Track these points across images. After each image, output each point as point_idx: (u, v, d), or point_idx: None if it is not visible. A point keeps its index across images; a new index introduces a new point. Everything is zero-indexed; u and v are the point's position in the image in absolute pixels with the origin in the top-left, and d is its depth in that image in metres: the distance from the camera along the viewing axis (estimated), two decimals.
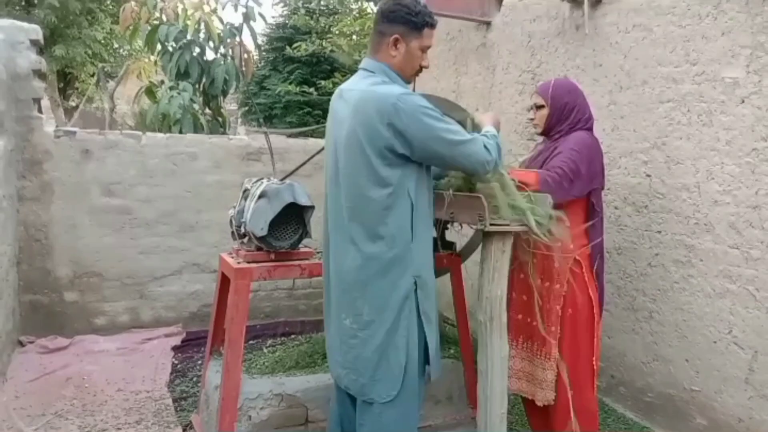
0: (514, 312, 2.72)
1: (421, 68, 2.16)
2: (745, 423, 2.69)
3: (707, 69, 2.84)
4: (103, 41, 13.68)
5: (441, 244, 3.20)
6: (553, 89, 2.71)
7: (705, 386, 2.88)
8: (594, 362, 2.63)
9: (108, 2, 13.38)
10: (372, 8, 9.86)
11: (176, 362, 4.07)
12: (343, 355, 2.14)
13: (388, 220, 2.00)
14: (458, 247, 3.23)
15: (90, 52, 13.05)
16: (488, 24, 4.45)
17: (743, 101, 2.68)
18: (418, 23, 2.07)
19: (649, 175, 3.15)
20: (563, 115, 2.69)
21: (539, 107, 2.74)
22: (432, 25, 2.11)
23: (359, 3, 9.94)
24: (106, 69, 13.94)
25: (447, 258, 3.07)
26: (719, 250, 2.80)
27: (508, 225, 2.23)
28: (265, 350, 3.52)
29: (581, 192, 2.58)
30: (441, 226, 3.03)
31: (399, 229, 2.02)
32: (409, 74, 2.16)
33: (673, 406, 3.04)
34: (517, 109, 4.15)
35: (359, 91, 2.05)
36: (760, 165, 2.61)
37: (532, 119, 2.81)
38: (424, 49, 2.12)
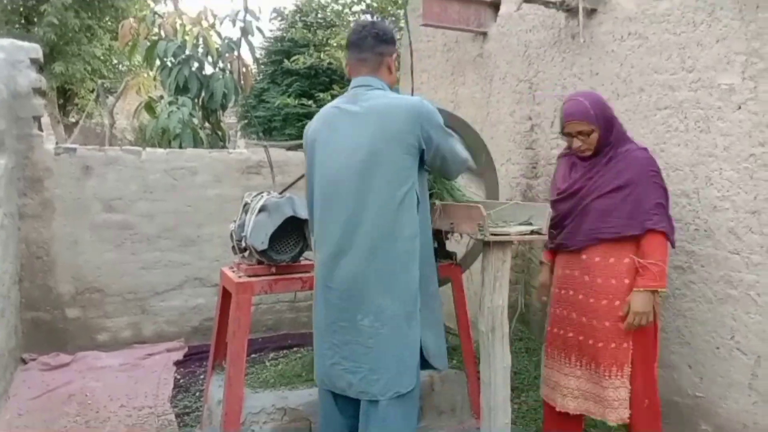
0: (574, 333, 2.67)
1: None
2: (749, 428, 2.68)
3: (703, 76, 2.85)
4: (102, 57, 13.73)
5: (441, 253, 3.20)
6: (594, 108, 2.59)
7: (709, 392, 2.88)
8: (655, 367, 2.65)
9: (107, 19, 13.45)
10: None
11: (179, 377, 4.07)
12: (359, 359, 2.15)
13: (404, 216, 2.14)
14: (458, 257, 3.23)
15: (89, 68, 13.11)
16: (485, 35, 4.47)
17: (740, 107, 2.70)
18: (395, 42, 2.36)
19: None
20: (609, 131, 2.61)
21: (587, 134, 2.61)
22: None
23: (356, 16, 9.99)
24: (105, 85, 14.00)
25: (447, 268, 3.07)
26: (720, 256, 2.80)
27: (508, 235, 2.24)
28: (267, 363, 3.52)
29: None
30: (441, 236, 3.04)
31: (413, 225, 2.17)
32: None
33: (678, 413, 3.03)
34: (515, 118, 4.17)
35: (381, 100, 2.19)
36: (758, 170, 2.61)
37: (579, 148, 2.65)
38: None
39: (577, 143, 2.63)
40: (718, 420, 2.83)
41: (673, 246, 2.57)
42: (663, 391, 3.08)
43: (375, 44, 2.27)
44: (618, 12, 3.33)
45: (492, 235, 2.20)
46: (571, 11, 3.52)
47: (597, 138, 2.59)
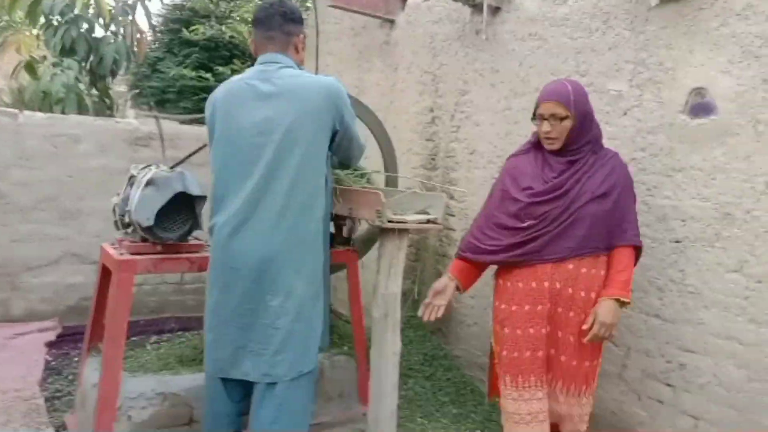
0: (523, 351, 2.36)
1: None
2: (617, 416, 2.87)
3: (595, 81, 2.99)
4: None
5: (338, 239, 3.18)
6: (574, 95, 2.31)
7: None
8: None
9: None
10: None
11: (50, 359, 3.80)
12: (266, 341, 2.12)
13: (318, 196, 2.19)
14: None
15: None
16: (392, 22, 4.47)
17: (625, 113, 2.85)
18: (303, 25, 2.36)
19: None
20: (584, 127, 2.34)
21: (560, 118, 2.31)
22: None
23: None
24: None
25: (343, 254, 3.05)
26: None
27: (405, 222, 2.25)
28: (148, 347, 3.36)
29: None
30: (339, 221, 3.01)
31: (324, 205, 2.24)
32: None
33: None
34: (418, 108, 4.21)
35: (296, 79, 2.18)
36: (638, 174, 2.78)
37: (547, 133, 2.34)
38: None
39: (546, 127, 2.33)
40: None
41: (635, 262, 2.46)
42: None
43: (283, 23, 2.24)
44: (521, 12, 3.42)
45: (389, 222, 2.20)
46: (476, 7, 3.59)
47: (569, 128, 2.31)
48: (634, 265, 2.41)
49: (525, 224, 2.33)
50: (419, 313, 2.45)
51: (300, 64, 2.32)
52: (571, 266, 2.32)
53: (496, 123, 3.56)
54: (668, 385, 2.66)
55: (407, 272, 3.97)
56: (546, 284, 2.33)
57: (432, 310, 2.42)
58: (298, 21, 2.29)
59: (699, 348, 2.54)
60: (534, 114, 2.42)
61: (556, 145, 2.35)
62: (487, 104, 3.63)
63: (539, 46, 3.30)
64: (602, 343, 2.39)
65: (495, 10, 3.55)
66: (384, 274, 2.31)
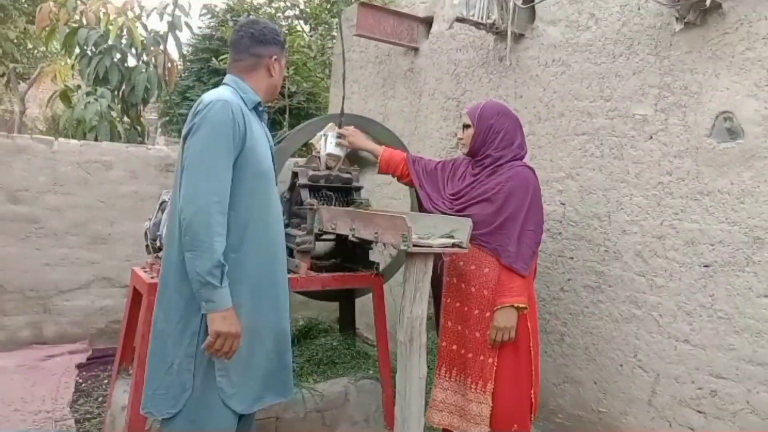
0: (447, 342, 2.72)
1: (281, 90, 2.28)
2: None
3: (619, 105, 3.00)
4: (15, 40, 12.97)
5: (363, 263, 3.21)
6: (480, 110, 2.72)
7: (611, 408, 3.00)
8: (532, 395, 2.61)
9: (23, 0, 12.74)
10: (302, 26, 9.87)
11: (80, 381, 3.85)
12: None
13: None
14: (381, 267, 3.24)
15: (0, 51, 12.36)
16: (416, 50, 4.54)
17: (651, 137, 2.85)
18: (284, 43, 2.26)
19: (563, 204, 3.28)
20: (488, 137, 2.68)
21: (466, 126, 2.75)
22: (286, 46, 2.30)
23: (289, 20, 9.92)
24: (18, 70, 13.22)
25: (369, 278, 3.07)
26: (626, 277, 2.95)
27: (431, 246, 2.26)
28: None
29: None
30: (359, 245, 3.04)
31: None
32: (274, 95, 2.34)
33: (582, 427, 3.15)
34: (442, 134, 4.24)
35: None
36: (665, 198, 2.77)
37: (460, 139, 2.81)
38: (286, 67, 2.25)
39: (460, 133, 2.81)
40: None
41: (531, 273, 2.66)
42: (568, 405, 3.19)
43: (251, 45, 2.18)
44: (544, 39, 3.46)
45: (414, 246, 2.21)
46: (500, 34, 3.63)
47: (471, 136, 2.71)
48: (521, 278, 2.57)
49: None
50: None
51: (276, 89, 2.27)
52: (461, 263, 2.66)
53: None
54: (699, 412, 2.61)
55: (432, 296, 3.97)
56: (448, 279, 2.75)
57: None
58: (271, 42, 2.20)
59: (731, 374, 2.50)
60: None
61: (464, 150, 2.79)
62: None
63: (563, 71, 3.32)
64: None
65: (518, 37, 3.59)
66: (409, 298, 2.32)
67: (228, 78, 2.20)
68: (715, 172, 2.58)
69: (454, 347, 2.70)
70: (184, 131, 2.04)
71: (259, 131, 2.14)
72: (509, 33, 3.51)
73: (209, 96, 2.03)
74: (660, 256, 2.79)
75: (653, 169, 2.83)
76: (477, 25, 3.58)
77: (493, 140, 2.68)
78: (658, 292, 2.80)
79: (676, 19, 2.69)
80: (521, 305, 2.54)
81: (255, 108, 2.17)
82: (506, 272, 2.55)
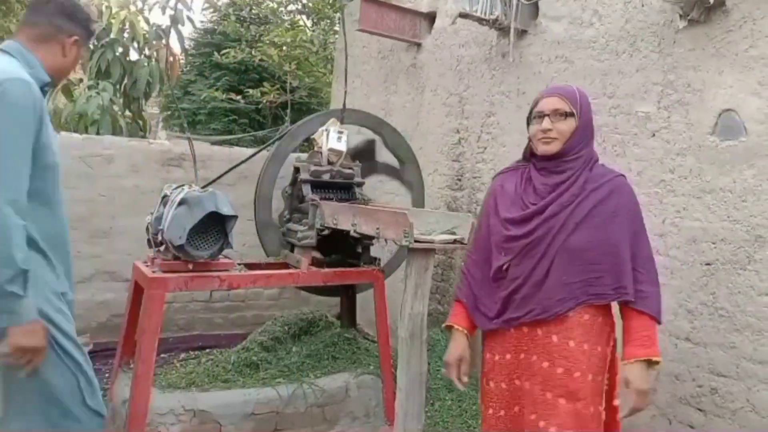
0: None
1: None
2: None
3: (622, 102, 3.00)
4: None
5: (364, 258, 3.21)
6: (581, 95, 1.96)
7: None
8: None
9: None
10: (304, 20, 9.86)
11: None
12: None
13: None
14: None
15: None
16: (419, 45, 4.53)
17: (654, 135, 2.85)
18: (92, 34, 2.07)
19: None
20: (587, 133, 1.95)
21: (563, 116, 1.91)
22: (92, 39, 2.04)
23: (292, 15, 9.91)
24: None
25: (369, 273, 3.08)
26: None
27: (432, 242, 2.26)
28: (177, 364, 3.40)
29: None
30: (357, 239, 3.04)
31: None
32: (62, 79, 2.07)
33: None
34: (444, 130, 4.24)
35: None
36: (666, 195, 2.76)
37: (546, 131, 1.91)
38: (80, 59, 2.06)
39: (546, 124, 1.90)
40: None
41: (660, 323, 1.91)
42: None
43: (55, 12, 1.91)
44: (547, 35, 3.45)
45: (416, 241, 2.22)
46: (503, 30, 3.62)
47: (572, 132, 1.90)
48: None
49: (501, 263, 1.95)
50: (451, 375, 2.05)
51: (64, 71, 1.99)
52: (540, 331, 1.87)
53: (522, 144, 3.53)
54: (699, 410, 2.61)
55: (434, 292, 3.98)
56: (522, 356, 1.93)
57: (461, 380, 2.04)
58: (76, 21, 1.95)
59: (731, 372, 2.50)
60: (529, 119, 2.01)
61: (554, 147, 1.90)
62: (514, 125, 3.64)
63: (566, 68, 3.32)
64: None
65: (521, 33, 3.58)
66: (410, 294, 2.32)
67: (11, 45, 1.85)
68: (717, 170, 2.58)
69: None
70: None
71: (47, 117, 1.85)
72: (512, 29, 3.50)
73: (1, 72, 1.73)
74: (661, 253, 2.79)
75: (655, 166, 2.82)
76: (480, 20, 3.57)
77: (591, 140, 1.99)
78: None
79: (680, 16, 2.68)
80: (656, 359, 1.84)
81: (41, 89, 1.84)
82: (638, 321, 1.87)
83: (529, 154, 2.05)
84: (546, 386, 1.84)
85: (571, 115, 1.90)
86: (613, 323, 1.97)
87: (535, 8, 3.55)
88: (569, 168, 1.92)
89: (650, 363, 1.82)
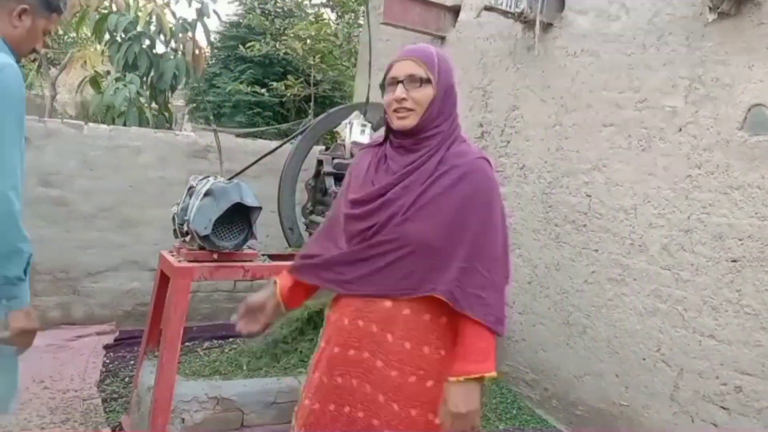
0: (326, 403, 1.72)
1: (34, 50, 1.95)
2: None
3: (649, 97, 2.96)
4: None
5: None
6: (440, 60, 1.67)
7: (633, 401, 2.99)
8: None
9: None
10: (329, 14, 9.87)
11: (107, 361, 3.93)
12: None
13: None
14: None
15: None
16: (443, 38, 4.51)
17: (680, 130, 2.81)
18: (52, 4, 1.88)
19: (589, 196, 3.26)
20: (446, 103, 1.67)
21: (419, 82, 1.62)
22: (61, 12, 1.93)
23: (316, 8, 9.92)
24: (48, 55, 13.41)
25: None
26: (652, 271, 2.92)
27: None
28: (201, 352, 3.46)
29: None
30: None
31: None
32: (23, 53, 1.91)
33: (603, 420, 3.14)
34: (467, 124, 4.22)
35: None
36: (693, 191, 2.73)
37: (400, 100, 1.61)
38: (46, 32, 1.92)
39: (400, 92, 1.61)
40: (641, 429, 2.94)
41: (500, 335, 1.59)
42: (589, 397, 3.19)
43: None
44: (573, 28, 3.42)
45: None
46: (528, 23, 3.60)
47: (429, 102, 1.62)
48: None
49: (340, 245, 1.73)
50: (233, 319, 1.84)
51: (9, 38, 1.81)
52: (389, 304, 1.62)
53: (546, 138, 3.55)
54: (723, 408, 2.58)
55: None
56: (359, 324, 1.67)
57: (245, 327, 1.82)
58: None
59: (756, 371, 2.47)
60: (383, 84, 1.70)
61: (411, 121, 1.62)
62: (538, 119, 3.62)
63: (591, 62, 3.29)
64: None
65: (547, 26, 3.55)
66: None
67: None
68: (745, 165, 2.54)
69: (361, 415, 1.66)
70: None
71: None
72: (537, 22, 3.47)
73: None
74: (687, 250, 2.76)
75: (682, 161, 2.79)
76: (505, 13, 3.56)
77: (449, 106, 1.69)
78: (683, 286, 2.77)
79: (710, 9, 2.63)
80: (489, 374, 1.56)
81: None
82: (471, 330, 1.58)
83: (386, 129, 1.75)
84: (367, 378, 1.64)
85: (428, 81, 1.62)
86: None
87: (561, 1, 3.52)
88: (425, 146, 1.64)
89: (482, 380, 1.55)
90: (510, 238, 1.76)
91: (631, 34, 3.07)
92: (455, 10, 4.46)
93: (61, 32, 14.55)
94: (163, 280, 2.84)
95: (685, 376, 2.74)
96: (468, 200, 1.60)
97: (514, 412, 3.49)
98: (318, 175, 3.28)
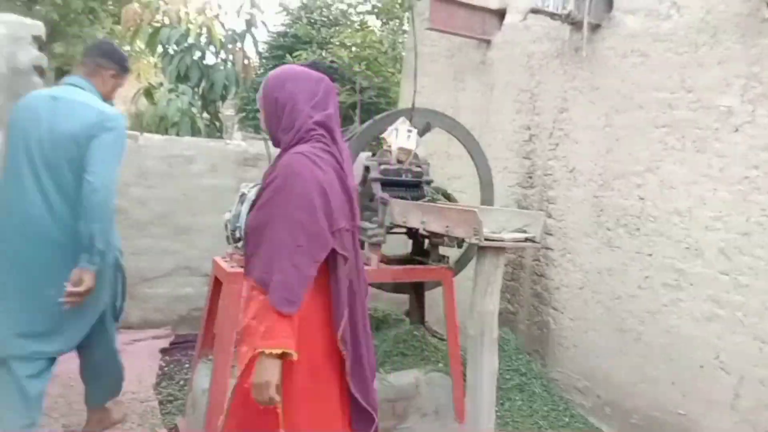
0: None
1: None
2: None
3: (702, 96, 2.89)
4: None
5: (433, 257, 3.23)
6: (264, 84, 1.92)
7: (691, 410, 2.91)
8: None
9: (110, 2, 13.38)
10: (374, 21, 9.94)
11: (163, 365, 4.05)
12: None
13: None
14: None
15: None
16: (488, 42, 4.50)
17: (737, 130, 2.73)
18: (126, 69, 2.79)
19: (642, 198, 3.19)
20: (273, 121, 1.89)
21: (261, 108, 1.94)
22: (129, 72, 2.84)
23: (361, 16, 10.01)
24: None
25: (438, 271, 3.09)
26: (709, 275, 2.84)
27: (502, 240, 2.26)
28: None
29: (320, 256, 1.78)
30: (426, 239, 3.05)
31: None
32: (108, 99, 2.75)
33: (659, 429, 3.06)
34: (514, 126, 4.19)
35: (77, 102, 2.52)
36: (751, 193, 2.65)
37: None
38: (120, 86, 2.80)
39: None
40: None
41: (277, 310, 1.69)
42: (644, 405, 3.11)
43: (97, 54, 2.70)
44: (622, 29, 3.36)
45: (486, 240, 2.21)
46: (576, 25, 3.56)
47: (263, 119, 1.92)
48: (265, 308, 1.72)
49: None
50: None
51: (103, 93, 2.66)
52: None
53: (596, 140, 3.49)
54: None
55: (503, 291, 3.95)
56: None
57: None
58: (111, 58, 2.70)
59: None
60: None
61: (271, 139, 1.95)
62: (587, 121, 3.57)
63: (641, 62, 3.22)
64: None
65: (595, 27, 3.50)
66: (480, 292, 2.32)
67: (79, 81, 2.62)
68: None
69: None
70: (85, 130, 2.44)
71: None
72: (585, 23, 3.43)
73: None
74: (745, 253, 2.68)
75: (739, 162, 2.71)
76: (552, 15, 3.52)
77: (276, 116, 1.88)
78: (742, 291, 2.69)
79: (767, 5, 2.55)
80: (268, 350, 1.68)
81: None
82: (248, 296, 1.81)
83: None
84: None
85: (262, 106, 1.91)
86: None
87: (609, 2, 3.46)
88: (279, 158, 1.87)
89: (270, 355, 1.67)
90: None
91: (683, 33, 3.00)
92: (500, 14, 4.44)
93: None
94: (217, 285, 2.91)
95: (746, 383, 2.65)
96: (267, 190, 1.81)
97: (567, 419, 3.43)
98: (365, 181, 3.30)
